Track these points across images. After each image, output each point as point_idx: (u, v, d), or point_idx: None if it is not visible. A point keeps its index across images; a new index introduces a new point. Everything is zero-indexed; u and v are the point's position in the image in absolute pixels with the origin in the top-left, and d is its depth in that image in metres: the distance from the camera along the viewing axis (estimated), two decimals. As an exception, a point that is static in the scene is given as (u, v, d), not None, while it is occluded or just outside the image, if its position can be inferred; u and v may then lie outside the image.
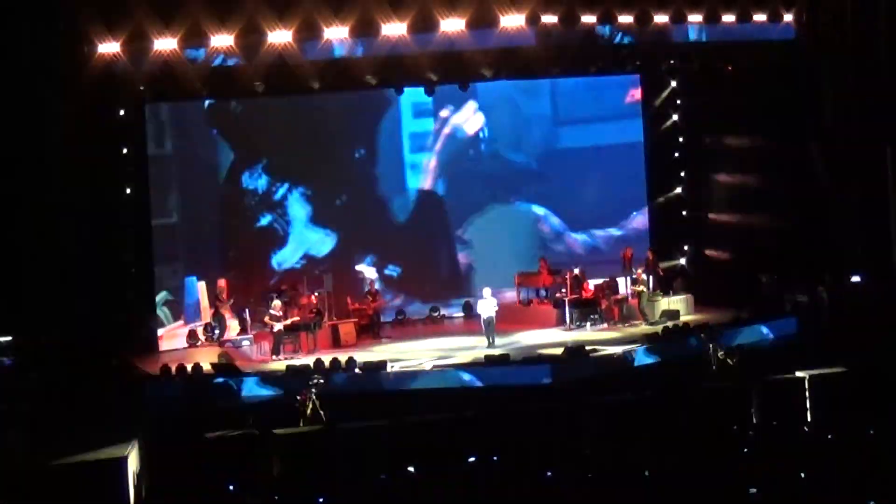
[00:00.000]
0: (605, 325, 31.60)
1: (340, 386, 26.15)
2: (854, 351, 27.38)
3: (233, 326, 30.86)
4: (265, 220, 33.89)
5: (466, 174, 35.67)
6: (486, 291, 30.57)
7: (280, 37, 28.01)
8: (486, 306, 30.03)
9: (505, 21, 28.87)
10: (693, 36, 31.10)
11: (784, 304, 31.52)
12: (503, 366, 26.74)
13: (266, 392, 26.37)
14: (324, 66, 29.04)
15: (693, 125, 35.49)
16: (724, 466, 20.66)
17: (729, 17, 30.91)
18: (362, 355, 28.05)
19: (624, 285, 33.28)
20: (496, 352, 27.76)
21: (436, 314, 34.75)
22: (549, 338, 30.56)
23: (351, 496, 20.64)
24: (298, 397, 24.62)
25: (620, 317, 32.15)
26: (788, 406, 25.71)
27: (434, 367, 27.06)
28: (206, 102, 32.52)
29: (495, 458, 22.58)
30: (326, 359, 27.27)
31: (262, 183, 33.74)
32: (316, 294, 31.63)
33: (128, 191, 29.55)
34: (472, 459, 22.79)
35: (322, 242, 34.25)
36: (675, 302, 32.69)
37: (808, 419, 25.52)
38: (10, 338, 26.75)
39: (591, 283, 32.38)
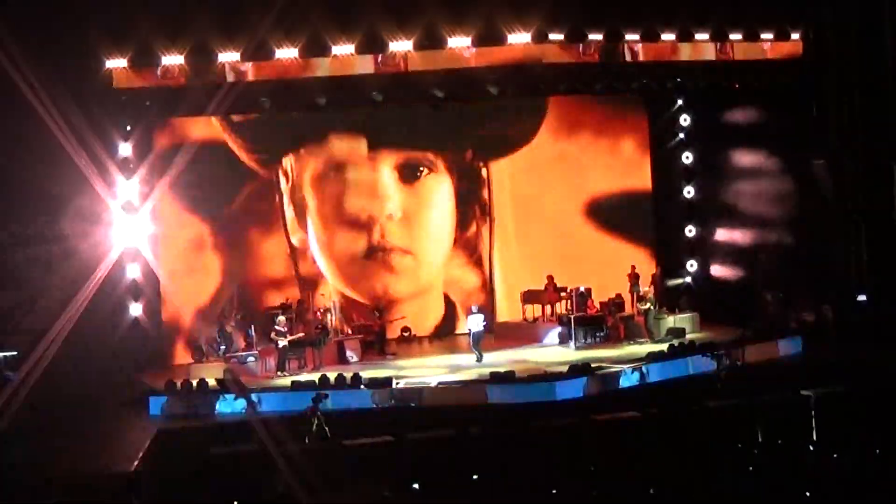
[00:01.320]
0: (611, 343, 31.57)
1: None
2: (859, 370, 27.38)
3: (238, 342, 30.86)
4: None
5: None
6: (474, 307, 30.84)
7: (287, 53, 28.07)
8: (474, 322, 30.22)
9: (511, 39, 28.90)
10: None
11: (789, 323, 31.47)
12: (508, 383, 26.69)
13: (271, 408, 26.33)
14: (331, 83, 29.05)
15: (698, 143, 35.50)
16: (730, 485, 20.63)
17: (736, 36, 30.91)
18: (368, 371, 28.04)
19: (629, 302, 33.27)
20: (502, 369, 27.70)
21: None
22: (554, 355, 30.53)
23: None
24: (304, 413, 24.65)
25: (626, 334, 32.09)
26: (794, 424, 25.71)
27: (439, 384, 27.03)
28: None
29: (500, 475, 22.57)
30: (332, 375, 27.25)
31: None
32: (321, 310, 31.65)
33: (136, 203, 29.53)
34: (475, 477, 22.78)
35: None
36: (681, 320, 32.60)
37: (814, 437, 25.50)
38: (16, 352, 26.82)
39: (597, 301, 32.38)
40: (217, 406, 26.43)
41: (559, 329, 32.12)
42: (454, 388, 26.93)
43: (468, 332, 30.74)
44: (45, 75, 26.60)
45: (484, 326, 30.42)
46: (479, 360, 29.78)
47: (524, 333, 32.96)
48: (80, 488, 21.51)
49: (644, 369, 27.76)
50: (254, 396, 26.38)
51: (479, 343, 30.10)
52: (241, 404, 26.20)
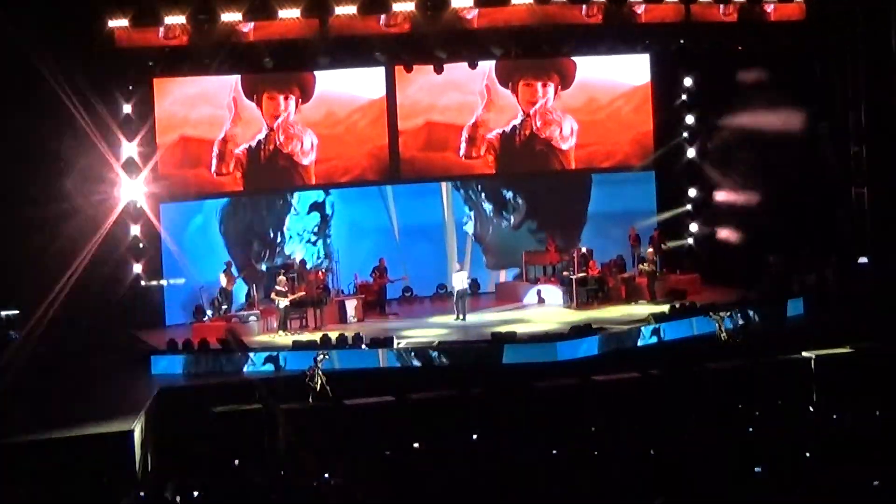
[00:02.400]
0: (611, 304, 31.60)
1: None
2: (860, 332, 27.43)
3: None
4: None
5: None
6: (457, 265, 31.31)
7: (289, 13, 27.94)
8: (459, 280, 30.48)
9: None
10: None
11: (791, 285, 31.48)
12: (510, 343, 26.73)
13: (272, 367, 26.36)
14: (333, 43, 28.94)
15: (702, 105, 35.41)
16: (730, 446, 20.69)
17: (739, -2, 30.78)
18: (369, 331, 28.10)
19: (631, 263, 33.29)
20: (503, 329, 27.75)
21: (442, 291, 34.70)
22: (555, 316, 30.58)
23: (356, 472, 20.70)
24: (307, 372, 24.71)
25: (627, 295, 32.11)
26: (794, 386, 25.79)
27: (440, 343, 27.08)
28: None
29: (500, 435, 22.65)
30: (333, 335, 27.30)
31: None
32: (322, 270, 31.68)
33: (138, 163, 29.49)
34: (475, 437, 22.86)
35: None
36: (683, 281, 32.67)
37: (814, 399, 25.58)
38: (17, 311, 26.85)
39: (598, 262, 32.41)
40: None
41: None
42: (461, 348, 26.97)
43: (452, 290, 30.95)
44: (46, 34, 26.51)
45: (468, 284, 30.55)
46: (462, 318, 30.01)
47: (521, 293, 33.14)
48: (81, 447, 21.60)
49: (649, 329, 27.73)
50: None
51: (464, 301, 30.25)
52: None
